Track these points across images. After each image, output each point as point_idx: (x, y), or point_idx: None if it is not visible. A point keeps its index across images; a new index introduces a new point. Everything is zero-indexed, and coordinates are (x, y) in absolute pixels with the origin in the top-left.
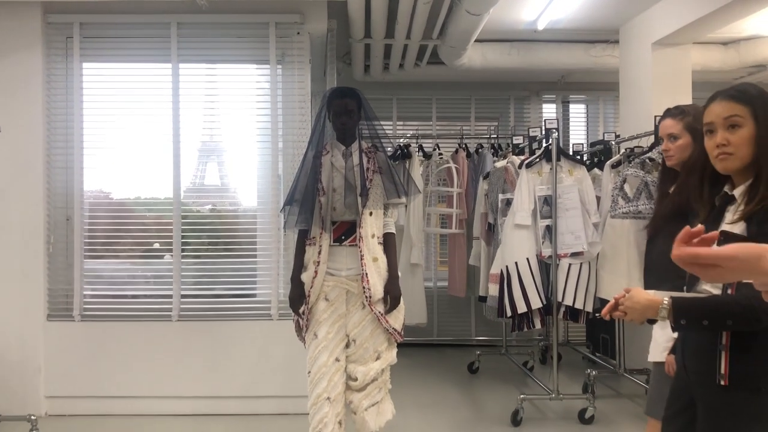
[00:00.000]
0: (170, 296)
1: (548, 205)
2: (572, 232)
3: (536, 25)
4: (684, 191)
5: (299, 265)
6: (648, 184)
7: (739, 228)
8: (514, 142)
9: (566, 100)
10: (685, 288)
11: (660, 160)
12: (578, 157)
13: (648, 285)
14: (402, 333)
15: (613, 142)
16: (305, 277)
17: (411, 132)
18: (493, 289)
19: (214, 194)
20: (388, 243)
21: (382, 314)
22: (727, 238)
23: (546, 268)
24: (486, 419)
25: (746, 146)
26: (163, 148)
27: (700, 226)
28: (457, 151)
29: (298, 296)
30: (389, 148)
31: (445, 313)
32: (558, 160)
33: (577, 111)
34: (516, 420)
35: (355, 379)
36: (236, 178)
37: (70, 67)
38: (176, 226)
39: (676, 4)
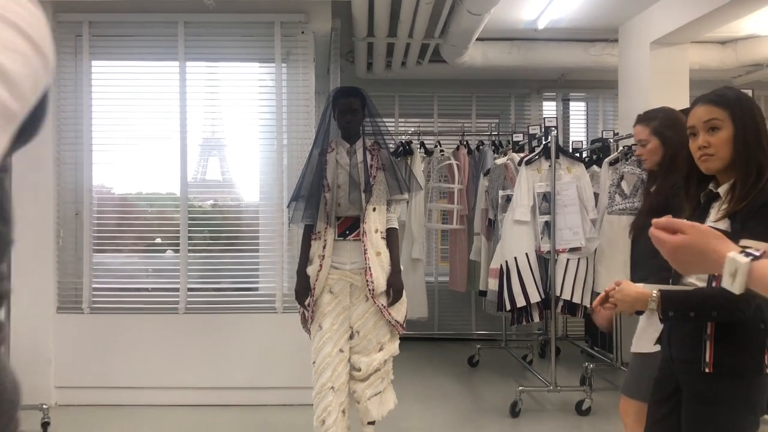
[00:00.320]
0: (177, 290)
1: (547, 201)
2: (570, 227)
3: (536, 24)
4: (662, 191)
5: (305, 259)
6: (644, 181)
7: (723, 225)
8: (515, 139)
9: (566, 98)
10: (671, 281)
11: None
12: (577, 154)
13: (634, 281)
14: (404, 325)
15: (612, 140)
16: (310, 270)
17: (413, 129)
18: (493, 284)
19: (219, 190)
20: (391, 238)
21: (384, 307)
22: None
23: (545, 263)
24: (485, 410)
25: (726, 147)
26: (170, 145)
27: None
28: (458, 148)
29: (303, 289)
30: (391, 145)
31: (446, 308)
32: (557, 157)
33: (577, 108)
34: (514, 411)
35: (359, 370)
36: (242, 174)
37: (79, 65)
38: (183, 221)
39: (674, 4)
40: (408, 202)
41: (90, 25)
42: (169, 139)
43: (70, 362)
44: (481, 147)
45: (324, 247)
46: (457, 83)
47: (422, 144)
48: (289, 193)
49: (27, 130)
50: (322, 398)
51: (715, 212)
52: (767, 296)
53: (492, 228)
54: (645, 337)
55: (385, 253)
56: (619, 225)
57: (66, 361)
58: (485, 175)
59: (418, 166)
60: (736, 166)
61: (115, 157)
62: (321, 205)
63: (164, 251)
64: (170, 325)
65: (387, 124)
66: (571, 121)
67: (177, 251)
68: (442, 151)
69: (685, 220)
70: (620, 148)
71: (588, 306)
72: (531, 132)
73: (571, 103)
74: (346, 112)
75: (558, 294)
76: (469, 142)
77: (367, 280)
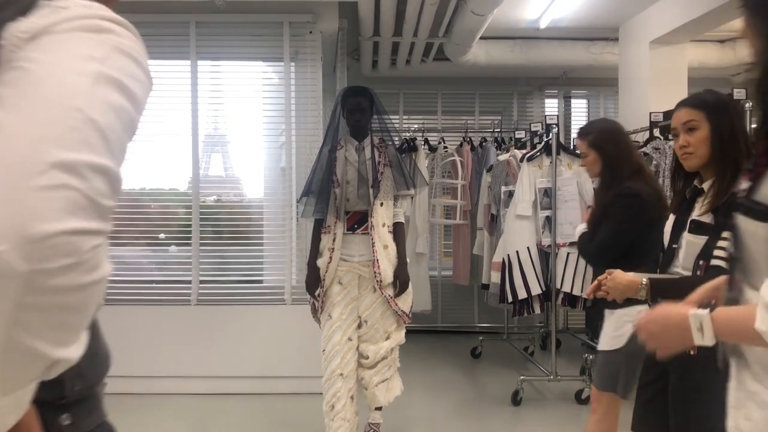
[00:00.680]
0: (189, 282)
1: (548, 196)
2: (571, 222)
3: (538, 23)
4: (600, 203)
5: (315, 252)
6: None
7: (707, 218)
8: (517, 136)
9: (568, 95)
10: (658, 270)
11: (652, 155)
12: (577, 151)
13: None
14: (410, 315)
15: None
16: (320, 262)
17: (417, 125)
18: (495, 277)
19: (230, 185)
20: (398, 231)
21: (391, 297)
22: (698, 225)
23: (545, 256)
24: (487, 399)
25: (703, 146)
26: (182, 142)
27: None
28: (461, 145)
29: (313, 280)
30: (396, 140)
31: (449, 301)
32: (558, 154)
33: (579, 106)
34: (516, 400)
35: (367, 357)
36: (251, 170)
37: None
38: (195, 216)
39: (673, 4)
40: (413, 197)
41: None
42: (181, 136)
43: None
44: (483, 144)
45: (334, 241)
46: (460, 81)
47: (426, 141)
48: (298, 188)
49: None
50: (331, 384)
51: (699, 207)
52: (735, 341)
53: (494, 223)
54: (608, 335)
55: (392, 246)
56: None
57: None
58: (488, 171)
59: (422, 162)
60: (713, 162)
61: (129, 154)
62: (331, 200)
63: (177, 245)
64: (182, 316)
65: (392, 120)
66: (572, 118)
67: (189, 245)
68: (445, 147)
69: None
70: None
71: (587, 298)
72: (533, 129)
73: (573, 101)
74: (355, 110)
75: (558, 286)
76: (472, 138)
77: (374, 272)
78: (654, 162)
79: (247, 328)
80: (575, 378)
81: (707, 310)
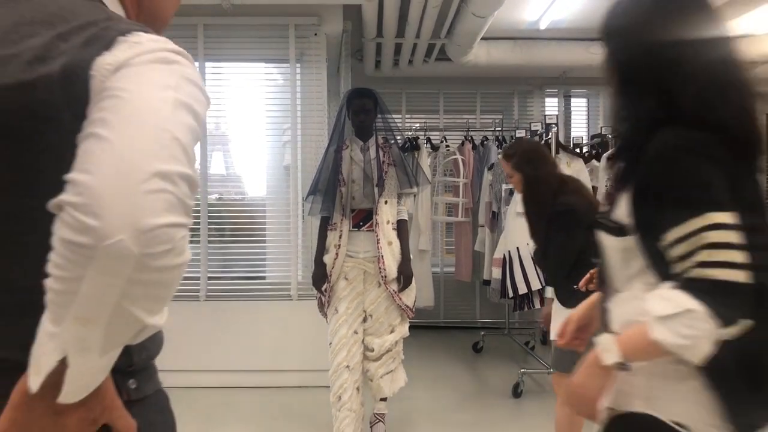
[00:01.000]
0: (198, 278)
1: None
2: None
3: (539, 24)
4: (533, 219)
5: (321, 248)
6: None
7: None
8: (517, 135)
9: (568, 94)
10: None
11: None
12: (577, 150)
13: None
14: (413, 309)
15: (610, 136)
16: (327, 258)
17: (419, 124)
18: (496, 272)
19: (235, 184)
20: (401, 228)
21: (395, 292)
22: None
23: None
24: (489, 392)
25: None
26: None
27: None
28: (463, 143)
29: (320, 276)
30: (399, 139)
31: (452, 297)
32: (557, 153)
33: (579, 105)
34: (516, 392)
35: (372, 350)
36: (258, 169)
37: None
38: (203, 214)
39: None
40: (416, 195)
41: None
42: None
43: None
44: (485, 142)
45: (340, 237)
46: (462, 81)
47: (428, 139)
48: (304, 187)
49: None
50: (338, 376)
51: None
52: (638, 359)
53: (495, 220)
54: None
55: (396, 243)
56: None
57: None
58: (489, 169)
59: (425, 161)
60: None
61: None
62: (337, 198)
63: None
64: (192, 311)
65: (395, 120)
66: (572, 117)
67: (197, 242)
68: (447, 146)
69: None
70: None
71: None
72: (533, 128)
73: (573, 100)
74: (360, 112)
75: None
76: (474, 137)
77: (379, 268)
78: None
79: (254, 323)
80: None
81: (608, 336)
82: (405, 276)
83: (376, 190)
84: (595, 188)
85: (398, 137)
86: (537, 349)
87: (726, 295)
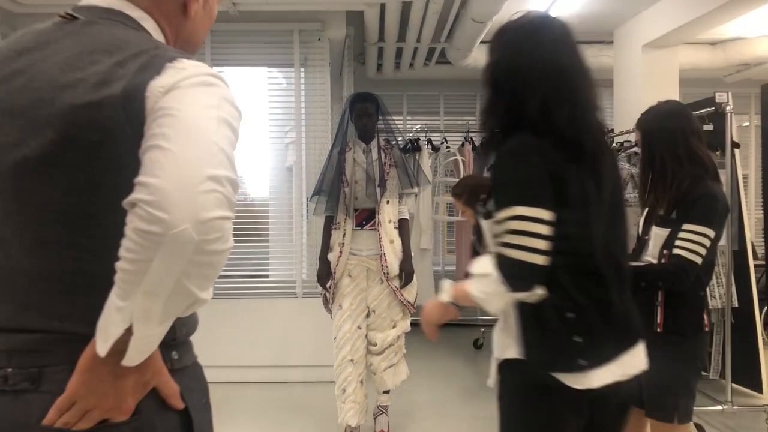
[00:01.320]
0: None
1: None
2: None
3: None
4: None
5: (326, 247)
6: (633, 176)
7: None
8: None
9: None
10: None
11: None
12: None
13: None
14: (415, 305)
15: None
16: (331, 256)
17: (420, 126)
18: None
19: (241, 185)
20: (403, 227)
21: (397, 288)
22: (662, 219)
23: None
24: (488, 387)
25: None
26: None
27: None
28: (463, 144)
29: (325, 273)
30: (400, 140)
31: None
32: None
33: None
34: None
35: (375, 345)
36: (266, 170)
37: None
38: None
39: (664, 10)
40: (417, 195)
41: None
42: None
43: None
44: None
45: (343, 236)
46: (462, 83)
47: (429, 141)
48: (309, 188)
49: None
50: (342, 370)
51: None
52: (464, 303)
53: None
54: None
55: (398, 241)
56: None
57: None
58: (488, 170)
59: (426, 162)
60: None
61: None
62: (341, 198)
63: None
64: (200, 309)
65: (396, 121)
66: None
67: None
68: (448, 147)
69: None
70: (613, 144)
71: None
72: None
73: None
74: (362, 115)
75: None
76: (474, 138)
77: (382, 265)
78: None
79: (260, 321)
80: None
81: (449, 281)
82: (406, 273)
83: (378, 190)
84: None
85: (399, 139)
86: None
87: (515, 269)
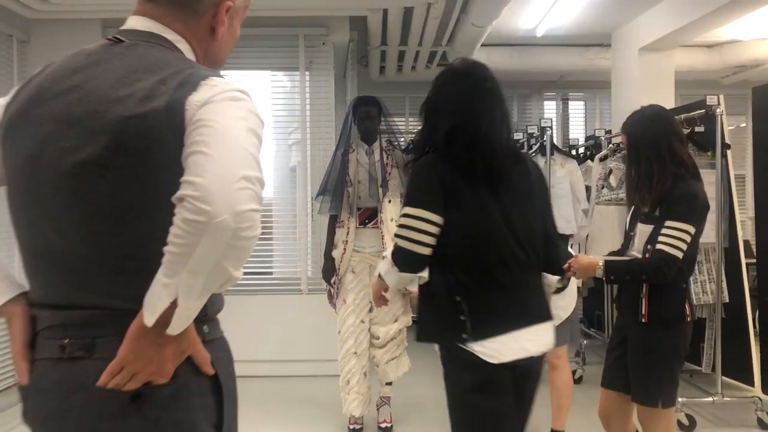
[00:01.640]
0: None
1: None
2: (563, 217)
3: (536, 31)
4: None
5: (330, 244)
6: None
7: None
8: (516, 137)
9: (565, 98)
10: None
11: None
12: (571, 152)
13: None
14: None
15: (603, 138)
16: (336, 253)
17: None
18: None
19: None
20: None
21: None
22: (647, 216)
23: None
24: None
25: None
26: None
27: None
28: None
29: (330, 269)
30: (402, 140)
31: None
32: (551, 154)
33: (576, 107)
34: None
35: (378, 338)
36: (266, 170)
37: None
38: None
39: (661, 14)
40: None
41: None
42: None
43: None
44: None
45: (347, 234)
46: None
47: None
48: (313, 188)
49: None
50: (346, 362)
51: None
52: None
53: None
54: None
55: None
56: (607, 214)
57: None
58: None
59: None
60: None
61: None
62: (344, 198)
63: None
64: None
65: (398, 123)
66: (570, 119)
67: None
68: None
69: None
70: (610, 145)
71: (580, 287)
72: (529, 131)
73: (570, 102)
74: (365, 118)
75: None
76: None
77: None
78: None
79: (267, 316)
80: (570, 360)
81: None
82: None
83: (380, 190)
84: (588, 187)
85: (401, 140)
86: None
87: (401, 256)
